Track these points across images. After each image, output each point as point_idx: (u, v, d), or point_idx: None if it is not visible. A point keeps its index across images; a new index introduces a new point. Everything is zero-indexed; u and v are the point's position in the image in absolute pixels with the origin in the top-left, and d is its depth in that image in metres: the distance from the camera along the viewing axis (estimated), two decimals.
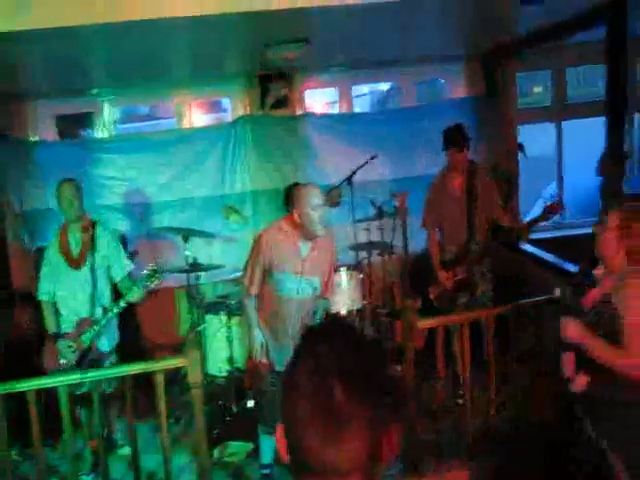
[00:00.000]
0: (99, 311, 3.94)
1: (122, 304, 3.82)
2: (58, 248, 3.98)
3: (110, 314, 3.85)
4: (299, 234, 3.52)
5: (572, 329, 2.66)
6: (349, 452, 0.92)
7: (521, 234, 4.57)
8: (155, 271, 3.76)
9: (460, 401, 4.37)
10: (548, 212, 4.17)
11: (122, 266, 4.03)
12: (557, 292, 2.95)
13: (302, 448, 0.94)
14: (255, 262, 3.60)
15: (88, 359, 3.88)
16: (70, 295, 3.96)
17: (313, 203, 3.40)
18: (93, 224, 4.03)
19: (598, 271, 2.81)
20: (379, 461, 0.97)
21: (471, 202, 4.55)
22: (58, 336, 3.91)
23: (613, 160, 4.54)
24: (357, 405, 0.93)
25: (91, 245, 3.94)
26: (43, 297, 4.02)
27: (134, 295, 3.79)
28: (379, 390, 0.97)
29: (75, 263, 3.94)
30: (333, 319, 1.00)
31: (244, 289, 3.66)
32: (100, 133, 6.01)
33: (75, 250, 3.96)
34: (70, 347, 3.86)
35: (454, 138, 4.55)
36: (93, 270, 3.92)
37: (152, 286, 3.79)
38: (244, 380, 4.67)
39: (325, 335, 1.04)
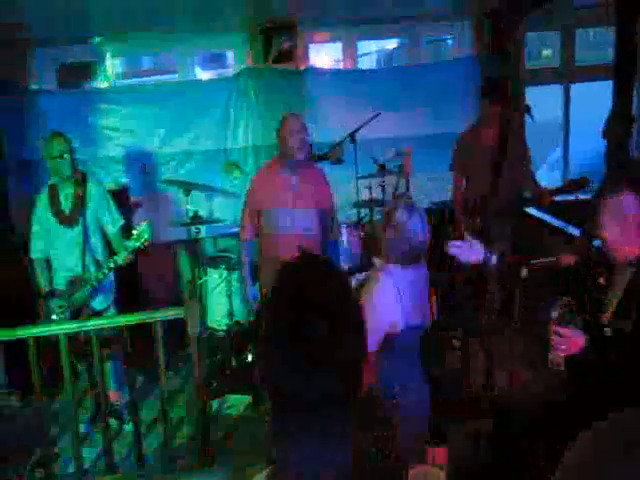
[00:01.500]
0: (93, 267, 3.89)
1: (111, 265, 3.73)
2: (48, 206, 3.86)
3: (100, 276, 3.77)
4: (284, 166, 3.63)
5: None
6: (330, 386, 0.94)
7: (542, 201, 4.52)
8: (144, 231, 3.65)
9: (457, 344, 4.41)
10: (574, 186, 4.14)
11: (113, 220, 3.96)
12: None
13: (284, 381, 0.95)
14: (246, 206, 3.75)
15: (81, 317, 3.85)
16: (63, 252, 3.89)
17: (289, 128, 3.55)
18: (83, 177, 3.90)
19: None
20: (354, 394, 0.99)
21: (500, 155, 4.54)
22: (50, 294, 3.89)
23: (620, 122, 4.48)
24: (338, 337, 0.93)
25: (82, 200, 3.83)
26: (35, 255, 3.97)
27: (120, 258, 3.71)
28: (356, 323, 0.99)
29: (67, 221, 3.85)
30: (308, 252, 0.99)
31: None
32: (102, 84, 5.93)
33: (66, 207, 3.86)
34: (61, 307, 3.83)
35: (491, 90, 4.55)
36: (85, 226, 3.84)
37: (141, 247, 3.69)
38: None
39: (303, 268, 1.04)
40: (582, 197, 4.80)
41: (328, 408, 0.95)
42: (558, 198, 5.90)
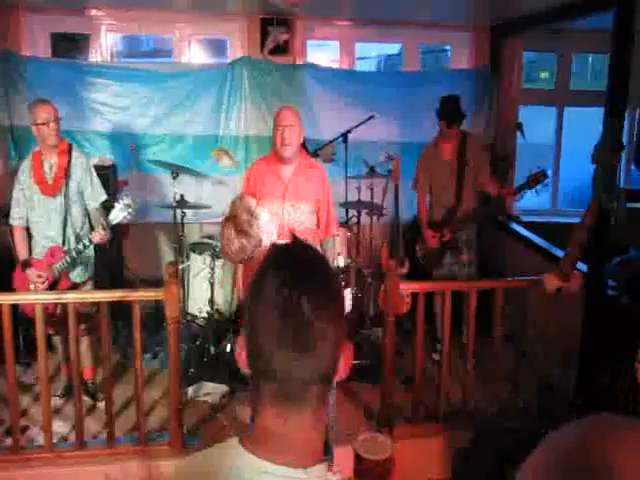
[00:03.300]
0: (73, 238, 3.85)
1: (87, 243, 3.70)
2: (31, 174, 3.81)
3: (80, 247, 3.72)
4: (279, 158, 3.60)
5: None
6: (312, 364, 0.96)
7: (506, 200, 4.62)
8: (128, 206, 3.63)
9: (436, 357, 4.45)
10: (532, 180, 4.29)
11: (95, 195, 3.92)
12: None
13: (267, 359, 0.96)
14: None
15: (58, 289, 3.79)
16: (43, 221, 3.85)
17: (280, 124, 3.51)
18: (69, 148, 3.87)
19: None
20: (334, 376, 1.02)
21: (461, 167, 4.68)
22: (28, 263, 3.82)
23: (609, 149, 4.55)
24: (323, 319, 0.96)
25: (66, 171, 3.80)
26: (15, 222, 3.90)
27: (97, 236, 3.67)
28: (339, 307, 1.02)
29: (49, 190, 3.80)
30: (298, 239, 1.00)
31: None
32: (96, 58, 5.82)
33: (49, 176, 3.81)
34: (40, 277, 3.76)
35: (446, 113, 4.68)
36: (67, 197, 3.81)
37: (124, 221, 3.68)
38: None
39: (292, 251, 1.06)
40: (569, 221, 4.88)
41: (309, 385, 0.98)
42: (550, 220, 6.03)
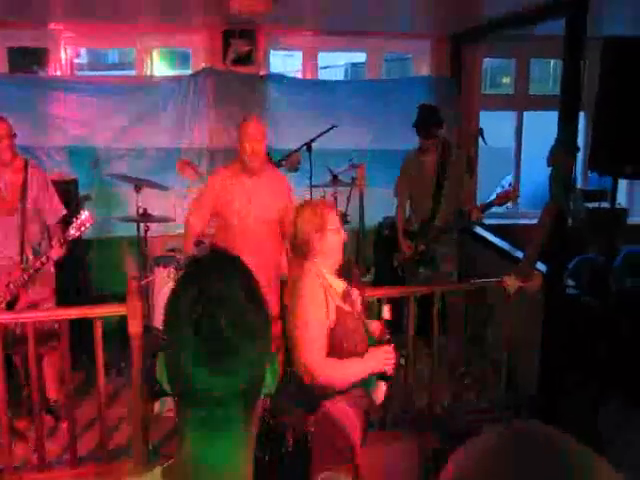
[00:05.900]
0: (31, 256, 3.79)
1: (44, 260, 3.63)
2: None
3: (37, 264, 3.64)
4: (243, 169, 3.63)
5: None
6: (230, 380, 0.93)
7: (475, 215, 4.65)
8: (86, 221, 3.57)
9: (402, 361, 4.47)
10: (502, 198, 4.32)
11: (54, 210, 3.87)
12: None
13: (184, 377, 0.93)
14: (201, 200, 3.77)
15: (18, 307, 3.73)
16: (1, 239, 3.77)
17: (248, 135, 3.54)
18: (25, 164, 3.82)
19: None
20: (260, 391, 0.99)
21: (440, 182, 4.68)
22: None
23: (564, 152, 4.64)
24: (240, 334, 0.93)
25: (22, 188, 3.75)
26: None
27: (54, 252, 3.61)
28: (261, 320, 0.98)
29: (6, 207, 3.74)
30: (218, 250, 0.97)
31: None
32: (55, 72, 5.76)
33: (5, 193, 3.75)
34: None
35: (418, 124, 4.64)
36: (24, 214, 3.75)
37: (82, 236, 3.66)
38: None
39: (211, 264, 1.02)
40: (529, 222, 4.95)
41: (231, 403, 0.94)
42: (511, 222, 6.10)
